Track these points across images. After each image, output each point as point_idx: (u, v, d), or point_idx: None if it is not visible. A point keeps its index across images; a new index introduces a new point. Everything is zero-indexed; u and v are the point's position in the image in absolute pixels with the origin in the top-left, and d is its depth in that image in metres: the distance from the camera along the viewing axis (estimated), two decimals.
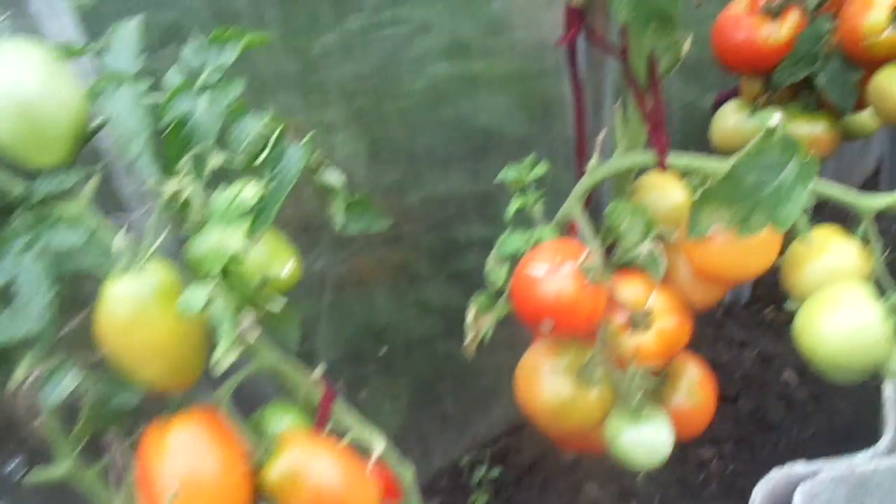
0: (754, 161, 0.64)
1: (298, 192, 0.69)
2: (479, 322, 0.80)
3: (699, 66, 1.32)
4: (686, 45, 0.72)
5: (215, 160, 0.56)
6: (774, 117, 0.64)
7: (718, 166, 0.70)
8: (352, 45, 1.02)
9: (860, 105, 1.06)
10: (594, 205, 0.95)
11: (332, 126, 1.05)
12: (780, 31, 1.03)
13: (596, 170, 0.78)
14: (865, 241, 0.74)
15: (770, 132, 0.64)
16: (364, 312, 1.16)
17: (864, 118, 1.11)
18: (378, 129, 1.09)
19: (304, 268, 1.09)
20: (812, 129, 1.08)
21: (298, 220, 1.05)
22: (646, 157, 0.75)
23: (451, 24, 1.09)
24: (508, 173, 0.84)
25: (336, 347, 1.13)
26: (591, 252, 0.72)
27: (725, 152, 1.20)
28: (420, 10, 1.06)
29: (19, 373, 0.55)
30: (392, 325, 1.19)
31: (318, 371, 0.72)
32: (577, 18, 0.74)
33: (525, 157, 1.24)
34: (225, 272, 0.53)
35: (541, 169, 0.83)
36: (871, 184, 1.90)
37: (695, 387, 0.86)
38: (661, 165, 0.73)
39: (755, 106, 1.14)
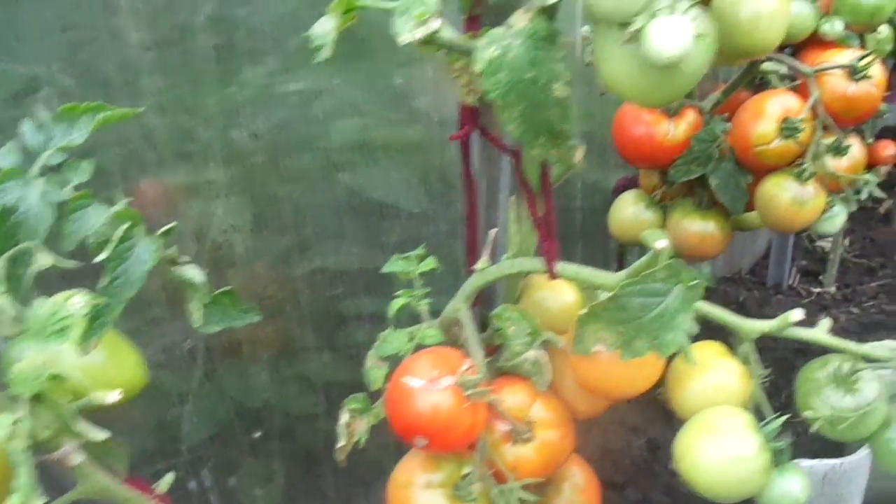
0: (639, 284, 0.62)
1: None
2: (352, 427, 0.74)
3: (603, 147, 1.33)
4: (579, 155, 0.70)
5: (41, 262, 0.49)
6: (661, 241, 0.62)
7: (606, 280, 0.68)
8: (240, 106, 0.96)
9: (750, 207, 1.08)
10: (487, 294, 0.91)
11: (216, 190, 0.98)
12: (677, 129, 1.05)
13: (484, 271, 0.74)
14: (746, 362, 0.73)
15: (656, 256, 0.62)
16: (240, 388, 1.08)
17: (756, 214, 1.14)
18: (266, 195, 1.03)
19: (172, 339, 1.01)
20: (704, 227, 1.10)
21: (166, 286, 0.97)
22: (535, 264, 0.72)
23: (351, 91, 1.05)
24: (396, 265, 0.79)
25: (205, 427, 1.05)
26: (472, 365, 0.68)
27: (623, 241, 1.21)
28: (318, 75, 1.01)
29: None
30: (270, 402, 1.11)
31: (165, 482, 0.64)
32: (471, 117, 0.71)
33: (423, 232, 1.21)
34: (39, 396, 0.46)
35: (430, 264, 0.79)
36: (761, 265, 1.98)
37: (577, 493, 0.83)
38: (550, 275, 0.71)
39: (652, 198, 1.15)
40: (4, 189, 0.51)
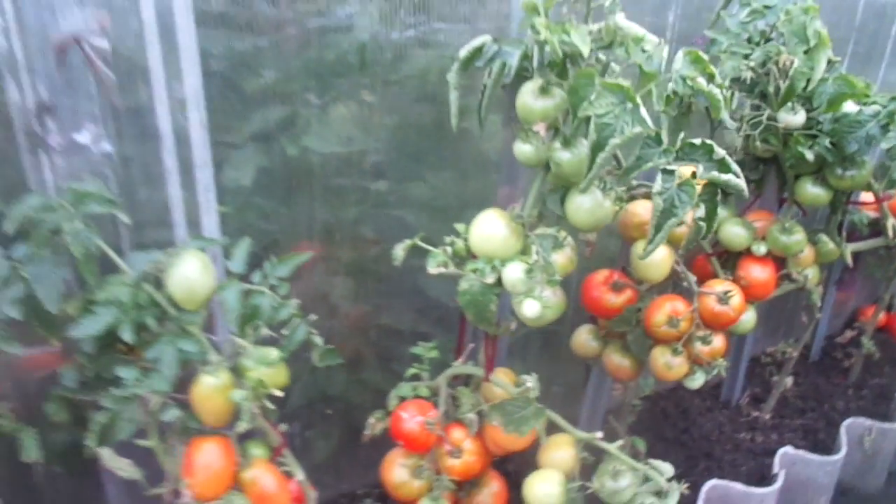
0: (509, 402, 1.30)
1: None
2: (374, 427, 1.46)
3: None
4: (511, 328, 1.38)
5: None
6: (530, 378, 1.30)
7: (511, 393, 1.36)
8: None
9: None
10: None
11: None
12: (616, 300, 1.68)
13: (456, 367, 1.44)
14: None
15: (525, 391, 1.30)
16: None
17: None
18: None
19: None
20: (622, 362, 1.74)
21: None
22: (475, 370, 1.42)
23: None
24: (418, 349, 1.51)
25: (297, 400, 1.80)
26: (435, 412, 1.38)
27: (577, 355, 1.86)
28: None
29: None
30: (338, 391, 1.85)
31: (282, 427, 1.38)
32: None
33: None
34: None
35: (433, 353, 1.50)
36: (722, 384, 2.53)
37: (492, 496, 1.52)
38: (486, 378, 1.40)
39: (599, 333, 1.80)
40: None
